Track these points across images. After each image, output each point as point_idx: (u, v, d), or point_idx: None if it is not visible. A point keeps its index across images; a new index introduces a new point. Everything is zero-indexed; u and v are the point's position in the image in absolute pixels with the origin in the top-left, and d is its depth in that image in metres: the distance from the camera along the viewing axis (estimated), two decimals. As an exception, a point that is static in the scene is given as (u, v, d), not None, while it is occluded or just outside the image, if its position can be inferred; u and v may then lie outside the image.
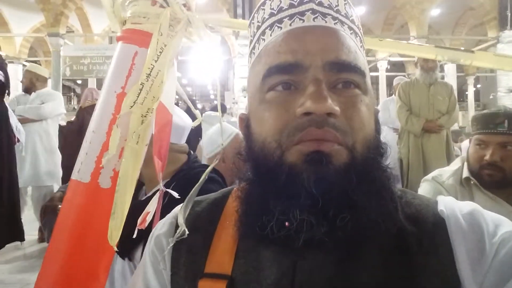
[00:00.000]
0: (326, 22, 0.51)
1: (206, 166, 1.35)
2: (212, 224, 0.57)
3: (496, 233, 0.47)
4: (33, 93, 3.89)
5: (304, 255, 0.48)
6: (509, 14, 10.42)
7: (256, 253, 0.51)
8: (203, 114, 4.44)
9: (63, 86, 11.07)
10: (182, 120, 1.31)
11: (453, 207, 0.51)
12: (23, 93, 4.00)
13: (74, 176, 0.83)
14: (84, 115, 4.15)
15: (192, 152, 1.38)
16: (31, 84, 3.90)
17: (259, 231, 0.47)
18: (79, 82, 15.68)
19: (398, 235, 0.49)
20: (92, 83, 11.66)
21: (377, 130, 0.52)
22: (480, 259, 0.46)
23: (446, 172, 1.64)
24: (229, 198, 0.61)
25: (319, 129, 0.45)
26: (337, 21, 0.52)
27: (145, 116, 0.80)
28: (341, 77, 0.48)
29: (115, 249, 0.74)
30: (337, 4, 0.53)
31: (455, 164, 1.67)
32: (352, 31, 0.53)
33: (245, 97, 10.05)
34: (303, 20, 0.51)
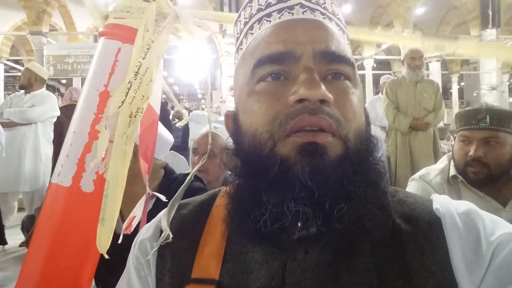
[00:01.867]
0: (315, 16, 0.51)
1: (187, 175, 1.33)
2: (198, 226, 0.55)
3: (493, 234, 0.46)
4: (27, 94, 3.74)
5: (294, 255, 0.47)
6: (490, 13, 10.63)
7: (244, 255, 0.50)
8: (190, 113, 4.40)
9: (47, 85, 10.82)
10: (166, 135, 1.27)
11: (448, 206, 0.50)
12: (20, 92, 3.84)
13: (54, 179, 0.78)
14: (60, 115, 4.05)
15: (168, 164, 1.36)
16: (29, 84, 3.75)
17: (251, 225, 0.45)
18: (63, 81, 15.36)
19: (392, 234, 0.48)
20: (77, 83, 11.44)
21: (368, 124, 0.51)
22: (476, 260, 0.44)
23: (433, 171, 1.64)
24: (216, 200, 0.59)
25: (313, 115, 0.44)
26: (325, 16, 0.52)
27: (134, 116, 0.76)
28: (331, 68, 0.48)
29: (106, 256, 0.69)
30: (324, 2, 0.53)
31: (442, 162, 1.68)
32: (339, 28, 0.54)
33: (232, 96, 10.00)
34: (292, 14, 0.51)
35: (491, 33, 10.85)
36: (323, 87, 0.44)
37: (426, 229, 0.48)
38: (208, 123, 0.94)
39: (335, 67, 0.48)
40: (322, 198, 0.43)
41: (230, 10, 9.65)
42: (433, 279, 0.44)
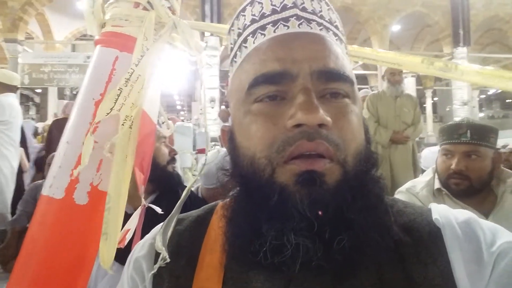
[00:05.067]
0: (311, 28, 0.49)
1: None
2: (196, 244, 0.53)
3: (494, 244, 0.46)
4: None
5: (297, 274, 0.45)
6: (461, 33, 11.14)
7: (246, 273, 0.48)
8: (175, 124, 4.35)
9: (21, 95, 10.51)
10: None
11: (448, 215, 0.50)
12: None
13: (45, 191, 0.74)
14: (52, 128, 3.97)
15: None
16: None
17: (251, 256, 0.44)
18: (38, 91, 14.93)
19: (394, 247, 0.47)
20: (52, 92, 11.16)
21: (367, 140, 0.50)
22: (477, 270, 0.45)
23: (419, 183, 1.69)
24: (213, 215, 0.57)
25: (311, 141, 0.43)
26: (322, 27, 0.50)
27: (122, 125, 0.74)
28: (329, 87, 0.47)
29: (110, 272, 0.66)
30: (320, 9, 0.51)
31: (427, 175, 1.72)
32: (337, 37, 0.52)
33: (212, 107, 9.98)
34: (288, 27, 0.49)
35: (462, 51, 11.36)
36: (321, 110, 0.43)
37: (427, 240, 0.48)
38: (194, 135, 0.93)
39: (334, 86, 0.47)
40: (322, 228, 0.42)
41: (211, 11, 9.73)
42: None
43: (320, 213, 0.42)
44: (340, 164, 0.44)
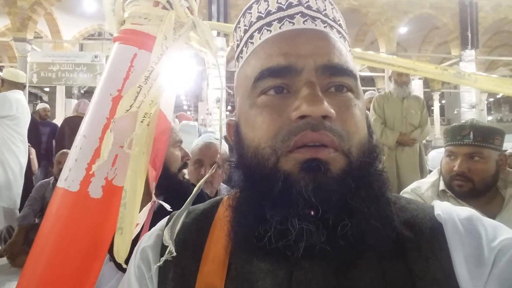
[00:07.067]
0: (316, 25, 0.51)
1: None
2: (201, 235, 0.55)
3: (495, 240, 0.47)
4: None
5: (300, 265, 0.46)
6: (469, 35, 11.06)
7: (250, 264, 0.49)
8: (181, 124, 4.36)
9: (29, 93, 10.59)
10: None
11: (450, 211, 0.51)
12: None
13: (61, 184, 0.76)
14: (63, 125, 4.03)
15: None
16: None
17: (256, 242, 0.45)
18: (46, 89, 15.06)
19: (396, 241, 0.48)
20: (60, 91, 11.24)
21: (370, 134, 0.51)
22: (478, 265, 0.45)
23: (424, 184, 1.69)
24: (219, 208, 0.58)
25: (315, 132, 0.44)
26: (326, 24, 0.52)
27: (141, 122, 0.75)
28: (333, 81, 0.48)
29: (124, 266, 0.67)
30: (325, 8, 0.53)
31: (433, 176, 1.72)
32: (340, 35, 0.54)
33: (218, 107, 10.00)
34: (293, 23, 0.50)
35: (470, 53, 11.28)
36: (325, 102, 0.44)
37: (429, 235, 0.49)
38: (200, 134, 0.94)
39: (337, 79, 0.48)
40: (326, 214, 0.43)
41: (218, 10, 9.75)
42: (438, 285, 0.45)
43: (324, 199, 0.43)
44: (345, 154, 0.45)
